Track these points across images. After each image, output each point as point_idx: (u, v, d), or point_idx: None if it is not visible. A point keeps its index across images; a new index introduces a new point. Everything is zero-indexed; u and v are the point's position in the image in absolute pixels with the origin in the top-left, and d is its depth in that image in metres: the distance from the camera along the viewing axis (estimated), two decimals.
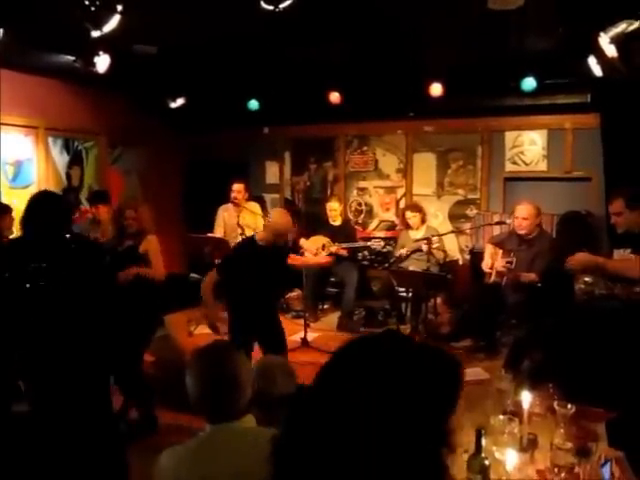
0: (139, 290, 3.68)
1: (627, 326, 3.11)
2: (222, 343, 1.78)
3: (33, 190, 5.77)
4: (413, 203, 6.35)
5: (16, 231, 5.08)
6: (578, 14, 3.71)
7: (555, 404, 2.34)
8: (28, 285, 2.77)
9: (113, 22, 3.65)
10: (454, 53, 4.96)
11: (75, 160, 6.28)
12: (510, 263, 4.76)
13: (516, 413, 2.32)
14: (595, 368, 3.11)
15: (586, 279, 3.55)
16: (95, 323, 2.98)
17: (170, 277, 4.40)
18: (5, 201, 5.01)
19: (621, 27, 3.57)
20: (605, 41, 3.69)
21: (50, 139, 5.97)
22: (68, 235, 2.99)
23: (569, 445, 2.11)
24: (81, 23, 3.64)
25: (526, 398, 2.31)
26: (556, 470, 2.00)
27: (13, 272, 2.79)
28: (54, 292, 2.82)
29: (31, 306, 2.81)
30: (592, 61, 4.18)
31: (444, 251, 5.75)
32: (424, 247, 5.32)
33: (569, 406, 2.29)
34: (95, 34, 3.71)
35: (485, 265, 4.98)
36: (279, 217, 3.81)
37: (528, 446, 2.20)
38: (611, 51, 3.70)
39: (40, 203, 2.96)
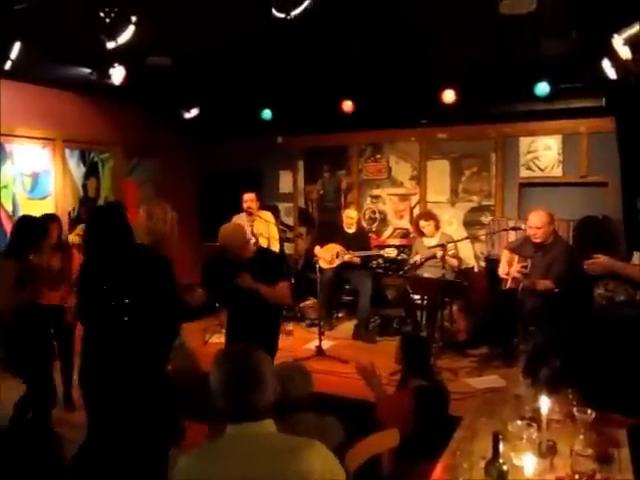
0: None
1: None
2: (247, 344, 1.77)
3: (50, 201, 5.86)
4: (426, 211, 6.32)
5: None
6: (591, 16, 3.69)
7: (574, 410, 2.30)
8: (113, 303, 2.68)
9: (127, 33, 3.70)
10: (466, 59, 4.94)
11: (91, 172, 6.34)
12: (525, 267, 4.72)
13: (534, 419, 2.28)
14: (615, 374, 3.06)
15: (606, 285, 3.51)
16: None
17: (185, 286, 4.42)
18: (23, 212, 5.09)
19: (635, 28, 3.54)
20: (619, 43, 3.66)
21: (67, 151, 6.04)
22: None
23: (589, 451, 2.08)
24: (96, 35, 3.69)
25: (545, 404, 2.27)
26: (577, 477, 1.96)
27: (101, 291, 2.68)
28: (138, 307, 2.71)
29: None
30: (606, 64, 4.14)
31: (458, 258, 5.71)
32: (439, 254, 5.28)
33: (589, 412, 2.25)
34: (110, 45, 3.76)
35: (502, 271, 4.94)
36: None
37: (547, 452, 2.16)
38: (625, 53, 3.67)
39: (104, 219, 2.88)
